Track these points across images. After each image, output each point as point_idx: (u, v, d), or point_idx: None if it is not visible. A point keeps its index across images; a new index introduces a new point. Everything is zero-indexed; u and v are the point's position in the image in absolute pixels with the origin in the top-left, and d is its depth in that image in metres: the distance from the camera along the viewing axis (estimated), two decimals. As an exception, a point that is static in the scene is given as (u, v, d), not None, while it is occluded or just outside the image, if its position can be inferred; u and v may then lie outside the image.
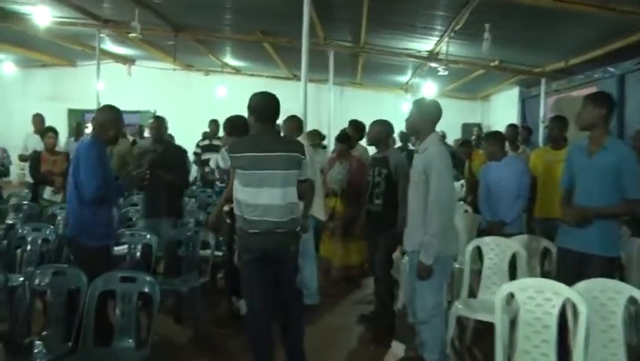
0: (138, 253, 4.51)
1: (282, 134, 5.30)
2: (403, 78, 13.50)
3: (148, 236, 4.57)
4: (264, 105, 3.53)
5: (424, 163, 3.52)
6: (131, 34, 8.72)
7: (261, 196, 3.37)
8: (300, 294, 4.81)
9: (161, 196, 5.18)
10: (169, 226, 5.18)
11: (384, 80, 13.95)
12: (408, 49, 10.01)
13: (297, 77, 13.21)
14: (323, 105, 12.32)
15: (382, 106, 13.03)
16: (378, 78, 13.90)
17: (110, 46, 12.87)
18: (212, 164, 8.36)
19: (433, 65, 10.04)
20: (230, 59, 13.54)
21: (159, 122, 5.43)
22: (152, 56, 13.40)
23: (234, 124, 4.68)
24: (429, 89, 11.53)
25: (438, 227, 3.42)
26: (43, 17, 7.71)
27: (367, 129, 5.11)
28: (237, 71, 14.71)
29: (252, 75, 14.66)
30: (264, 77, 14.36)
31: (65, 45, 12.16)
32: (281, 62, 12.59)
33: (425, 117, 3.68)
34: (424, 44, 9.51)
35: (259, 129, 3.52)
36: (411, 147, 8.83)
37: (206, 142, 9.18)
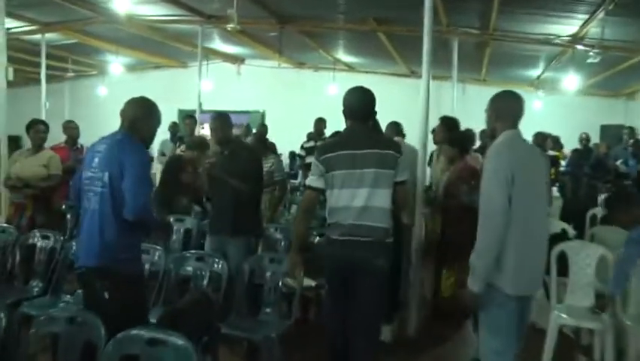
0: (205, 282, 3.51)
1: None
2: (534, 72, 11.68)
3: (219, 263, 3.57)
4: (354, 101, 3.23)
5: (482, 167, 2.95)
6: (229, 26, 7.80)
7: (345, 197, 3.05)
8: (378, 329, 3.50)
9: (226, 209, 4.15)
10: (237, 248, 4.08)
11: (511, 75, 12.20)
12: (545, 34, 8.33)
13: (415, 74, 12.09)
14: (443, 105, 10.39)
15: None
16: (504, 73, 12.17)
17: (218, 44, 12.28)
18: None
19: (581, 47, 8.27)
20: (342, 55, 12.42)
21: (222, 121, 4.47)
22: (261, 55, 12.63)
23: None
24: (570, 82, 9.61)
25: (482, 245, 2.69)
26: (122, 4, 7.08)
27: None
28: (350, 67, 13.49)
29: (367, 72, 13.35)
30: (379, 74, 13.08)
31: (175, 45, 11.76)
32: (398, 57, 11.25)
33: (495, 113, 2.94)
34: (568, 26, 7.83)
35: (350, 127, 3.24)
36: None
37: (311, 144, 8.12)
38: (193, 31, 10.39)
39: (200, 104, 9.84)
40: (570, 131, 10.69)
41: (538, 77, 11.93)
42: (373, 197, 3.03)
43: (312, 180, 3.17)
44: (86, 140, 5.64)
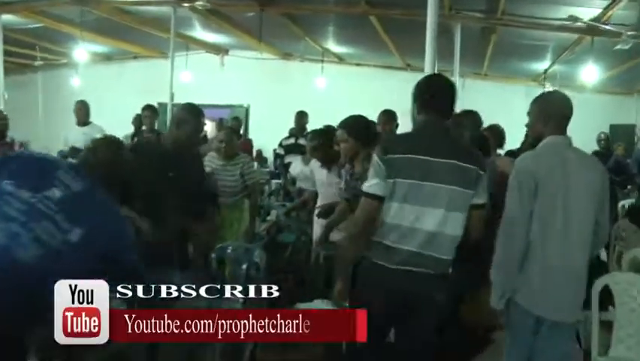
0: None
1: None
2: (540, 65, 10.57)
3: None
4: (436, 87, 2.58)
5: None
6: (199, 3, 6.73)
7: (408, 216, 2.41)
8: None
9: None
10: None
11: (515, 68, 11.09)
12: (561, 18, 7.19)
13: (410, 67, 11.10)
14: None
15: (511, 101, 10.24)
16: (508, 66, 11.05)
17: (199, 33, 11.14)
18: (292, 170, 5.94)
19: (608, 29, 7.11)
20: (332, 44, 11.23)
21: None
22: (245, 45, 11.49)
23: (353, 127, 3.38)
24: (588, 75, 8.49)
25: (497, 258, 2.47)
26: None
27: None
28: (340, 59, 12.22)
29: (359, 65, 12.27)
30: (371, 67, 12.01)
31: (154, 34, 10.60)
32: (393, 47, 10.08)
33: (539, 115, 2.61)
34: (589, 9, 6.74)
35: (424, 122, 2.53)
36: None
37: (291, 141, 6.94)
38: (169, 16, 9.17)
39: (172, 95, 8.90)
40: (579, 130, 9.43)
41: (546, 70, 10.78)
42: (447, 222, 2.42)
43: (374, 186, 2.43)
44: (58, 133, 5.43)
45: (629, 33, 6.60)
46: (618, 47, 7.05)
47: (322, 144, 4.03)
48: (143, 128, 6.43)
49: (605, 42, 7.57)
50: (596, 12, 6.77)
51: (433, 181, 2.37)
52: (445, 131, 2.52)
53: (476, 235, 2.51)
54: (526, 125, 2.78)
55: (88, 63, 13.01)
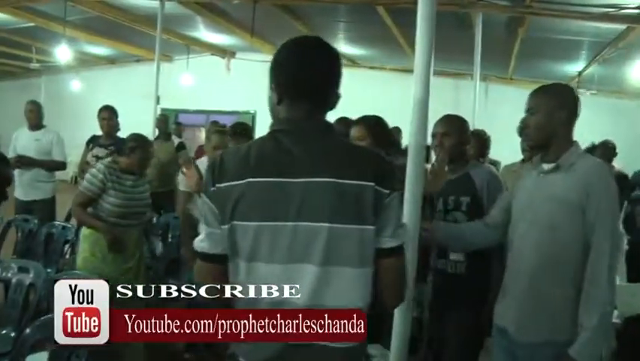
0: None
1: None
2: (575, 67, 9.04)
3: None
4: (299, 58, 1.47)
5: (579, 189, 1.94)
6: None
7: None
8: None
9: None
10: None
11: (545, 70, 9.52)
12: (604, 4, 5.74)
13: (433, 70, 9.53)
14: (463, 108, 7.71)
15: None
16: (537, 68, 9.50)
17: (204, 34, 10.18)
18: None
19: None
20: (343, 45, 10.01)
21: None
22: (252, 47, 10.37)
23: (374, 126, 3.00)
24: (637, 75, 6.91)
25: (613, 303, 1.96)
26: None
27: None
28: (353, 62, 10.88)
29: (372, 68, 11.07)
30: (387, 71, 10.87)
31: (153, 35, 9.44)
32: (405, 44, 8.56)
33: (557, 114, 2.04)
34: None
35: (283, 120, 1.47)
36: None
37: None
38: (170, 17, 8.23)
39: (157, 98, 7.82)
40: (622, 140, 7.92)
41: (580, 72, 9.20)
42: (329, 285, 1.38)
43: (205, 240, 1.46)
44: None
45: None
46: None
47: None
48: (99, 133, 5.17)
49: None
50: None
51: (295, 219, 1.38)
52: (318, 132, 1.48)
53: (392, 300, 1.51)
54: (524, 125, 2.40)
55: (90, 67, 12.19)
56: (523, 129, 2.77)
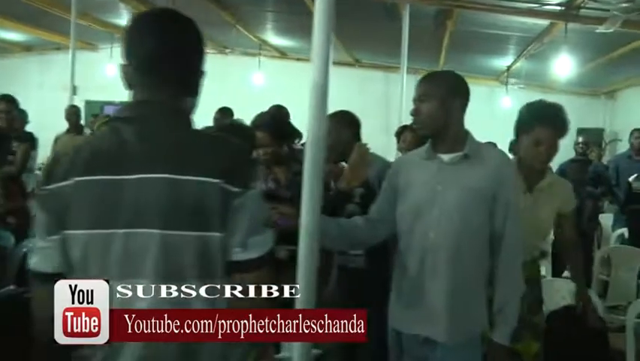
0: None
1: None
2: (504, 62, 8.66)
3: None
4: (150, 37, 1.22)
5: (491, 178, 1.90)
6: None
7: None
8: None
9: None
10: None
11: (475, 65, 8.68)
12: (525, 0, 5.96)
13: (359, 63, 10.32)
14: (393, 101, 8.29)
15: (473, 102, 8.05)
16: (467, 62, 8.59)
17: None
18: None
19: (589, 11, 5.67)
20: (271, 36, 9.52)
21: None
22: None
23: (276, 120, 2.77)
24: (562, 69, 7.14)
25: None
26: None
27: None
28: (282, 53, 10.72)
29: (300, 60, 10.19)
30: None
31: (83, 24, 9.21)
32: (335, 39, 7.84)
33: (451, 101, 1.92)
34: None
35: (134, 100, 1.25)
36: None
37: None
38: (92, 2, 8.04)
39: (74, 89, 8.02)
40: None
41: (509, 67, 8.77)
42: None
43: (38, 255, 1.22)
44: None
45: (622, 5, 5.06)
46: (601, 29, 5.61)
47: None
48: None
49: (578, 32, 6.22)
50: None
51: (127, 225, 1.14)
52: (166, 118, 1.21)
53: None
54: (417, 112, 1.96)
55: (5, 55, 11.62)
56: (414, 117, 2.03)
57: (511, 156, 2.83)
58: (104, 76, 9.98)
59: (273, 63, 10.99)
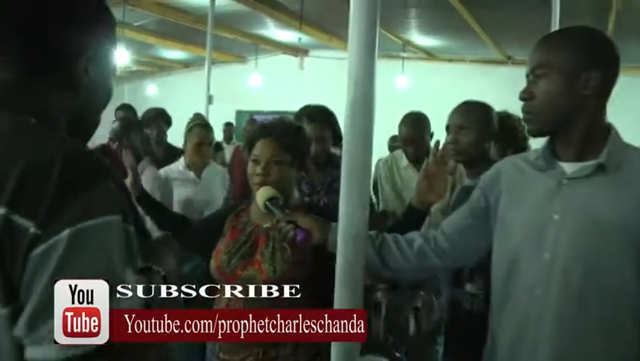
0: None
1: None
2: None
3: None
4: None
5: (636, 204, 1.19)
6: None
7: None
8: None
9: None
10: None
11: None
12: None
13: (512, 60, 9.56)
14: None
15: (633, 98, 7.02)
16: (633, 51, 6.70)
17: (274, 32, 10.03)
18: None
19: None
20: (415, 36, 8.99)
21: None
22: (326, 45, 9.97)
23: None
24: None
25: None
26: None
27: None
28: (428, 54, 9.90)
29: (450, 61, 9.95)
30: (466, 63, 9.75)
31: (229, 37, 9.67)
32: (483, 34, 7.45)
33: (584, 77, 1.23)
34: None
35: None
36: None
37: None
38: (235, 15, 8.03)
39: (210, 98, 7.19)
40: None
41: None
42: None
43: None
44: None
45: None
46: None
47: None
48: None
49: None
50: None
51: None
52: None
53: None
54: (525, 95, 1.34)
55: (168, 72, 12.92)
56: (524, 102, 1.35)
57: None
58: (249, 87, 10.83)
59: (417, 65, 10.48)
